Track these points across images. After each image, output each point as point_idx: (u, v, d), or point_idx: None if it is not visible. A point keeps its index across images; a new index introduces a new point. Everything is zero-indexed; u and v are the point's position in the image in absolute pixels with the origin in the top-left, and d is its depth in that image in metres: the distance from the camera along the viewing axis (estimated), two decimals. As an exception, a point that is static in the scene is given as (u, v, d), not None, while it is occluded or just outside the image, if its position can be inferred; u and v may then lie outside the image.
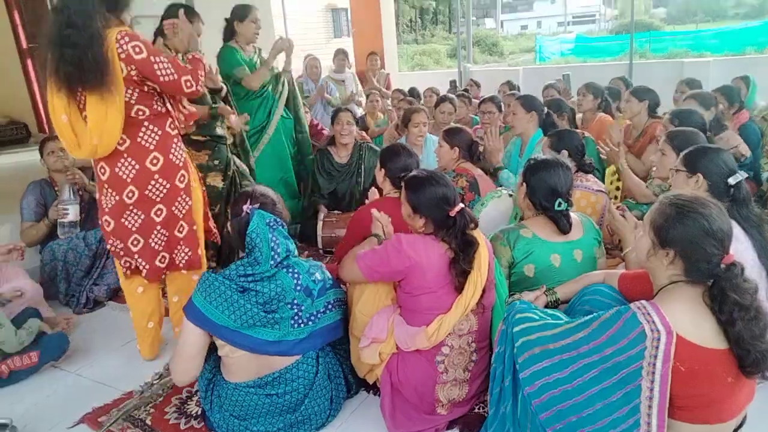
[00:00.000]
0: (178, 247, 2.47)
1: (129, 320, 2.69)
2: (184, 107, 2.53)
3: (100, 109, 2.14)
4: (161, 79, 2.21)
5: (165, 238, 2.44)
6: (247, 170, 3.61)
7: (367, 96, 6.00)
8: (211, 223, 2.83)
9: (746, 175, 2.17)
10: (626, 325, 1.42)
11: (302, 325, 2.01)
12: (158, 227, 2.40)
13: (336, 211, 3.95)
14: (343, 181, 4.06)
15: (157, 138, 2.33)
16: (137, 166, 2.30)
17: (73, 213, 3.01)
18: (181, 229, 2.45)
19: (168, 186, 2.37)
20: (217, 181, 3.29)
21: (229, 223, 2.16)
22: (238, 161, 3.54)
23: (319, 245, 3.76)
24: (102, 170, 2.32)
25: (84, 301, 3.22)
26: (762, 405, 1.75)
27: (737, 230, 1.88)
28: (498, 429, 1.75)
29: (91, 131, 2.18)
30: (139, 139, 2.30)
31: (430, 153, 3.97)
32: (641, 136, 3.83)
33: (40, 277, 3.28)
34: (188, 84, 2.28)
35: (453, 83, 7.49)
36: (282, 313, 1.96)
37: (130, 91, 2.21)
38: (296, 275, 2.00)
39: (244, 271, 1.93)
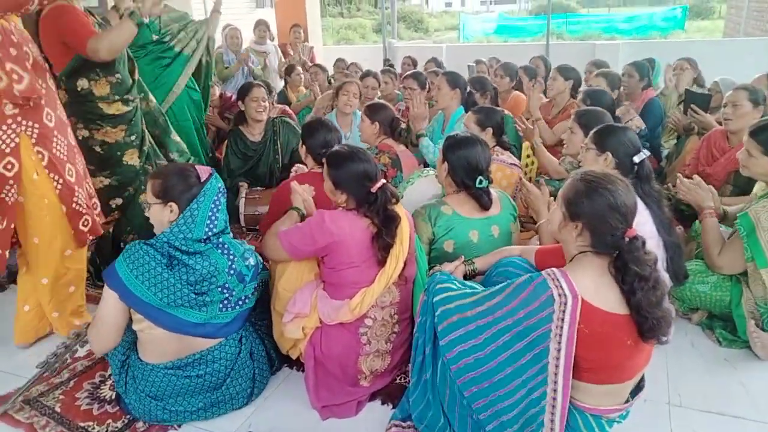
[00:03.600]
0: None
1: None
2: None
3: None
4: None
5: None
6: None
7: (289, 70, 5.84)
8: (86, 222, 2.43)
9: (649, 154, 2.33)
10: (536, 289, 1.51)
11: (230, 309, 1.97)
12: None
13: (258, 188, 3.86)
14: (260, 159, 3.94)
15: None
16: None
17: None
18: (8, 220, 2.22)
19: None
20: (134, 159, 2.94)
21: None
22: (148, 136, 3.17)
23: (242, 223, 3.67)
24: None
25: (-20, 286, 2.99)
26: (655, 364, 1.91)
27: (639, 205, 2.01)
28: (419, 396, 1.81)
29: None
30: None
31: (357, 129, 3.97)
32: (560, 113, 3.99)
33: None
34: None
35: (386, 61, 7.47)
36: (212, 296, 1.90)
37: None
38: (231, 257, 1.93)
39: (175, 237, 1.84)
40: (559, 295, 1.47)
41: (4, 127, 2.12)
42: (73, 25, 2.47)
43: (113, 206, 2.88)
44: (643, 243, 1.52)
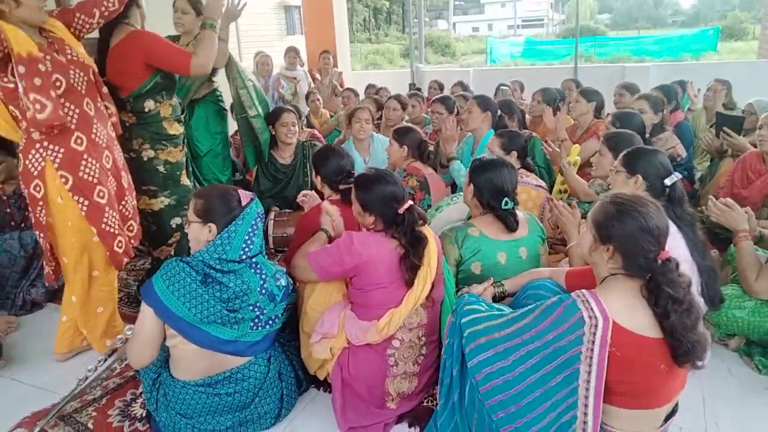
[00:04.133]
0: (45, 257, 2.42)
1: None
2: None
3: None
4: None
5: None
6: None
7: (307, 96, 5.98)
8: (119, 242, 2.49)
9: (681, 176, 2.29)
10: (566, 311, 1.49)
11: (260, 328, 2.00)
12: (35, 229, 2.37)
13: (287, 210, 3.92)
14: (289, 181, 4.01)
15: (24, 139, 2.27)
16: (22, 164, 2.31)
17: None
18: (43, 239, 2.38)
19: (27, 192, 2.31)
20: (186, 179, 3.06)
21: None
22: None
23: (270, 244, 3.72)
24: None
25: (20, 303, 3.07)
26: (691, 391, 1.85)
27: (672, 228, 1.98)
28: (447, 419, 1.80)
29: None
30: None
31: (376, 152, 4.03)
32: (584, 134, 3.98)
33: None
34: None
35: (412, 86, 7.58)
36: (244, 314, 1.93)
37: None
38: (263, 276, 1.98)
39: (210, 257, 1.89)
40: (590, 317, 1.45)
41: (33, 151, 2.25)
42: (164, 46, 2.67)
43: (173, 225, 2.96)
44: (677, 265, 1.50)
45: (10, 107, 2.19)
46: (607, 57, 17.08)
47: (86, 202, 2.33)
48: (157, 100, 2.77)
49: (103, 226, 2.38)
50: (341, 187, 2.51)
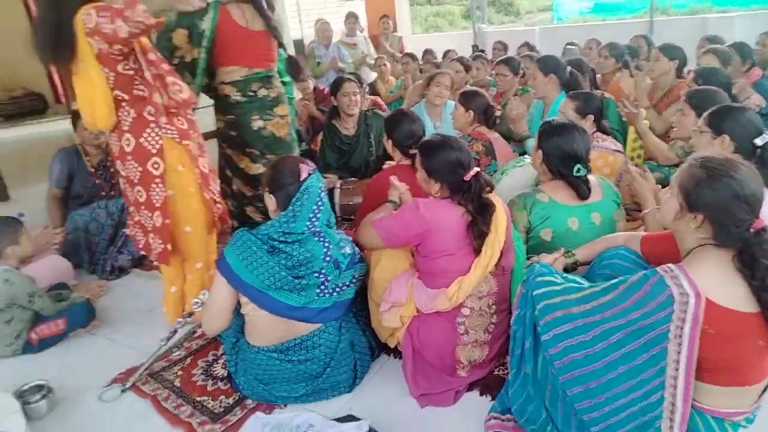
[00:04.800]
0: (152, 235, 2.42)
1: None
2: (173, 90, 2.31)
3: (78, 84, 2.24)
4: (106, 32, 2.04)
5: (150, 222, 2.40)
6: None
7: (375, 62, 5.96)
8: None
9: (773, 135, 2.12)
10: (653, 288, 1.41)
11: (327, 295, 2.04)
12: (142, 207, 2.39)
13: (352, 179, 3.95)
14: (353, 153, 4.02)
15: (130, 120, 2.29)
16: (117, 145, 2.35)
17: None
18: (156, 218, 2.38)
19: (140, 170, 2.32)
20: None
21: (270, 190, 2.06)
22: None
23: (337, 213, 3.77)
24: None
25: (109, 269, 3.28)
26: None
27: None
28: (519, 389, 1.78)
29: (80, 105, 2.30)
30: (118, 118, 2.30)
31: (448, 118, 3.94)
32: (666, 96, 3.70)
33: (63, 246, 3.23)
34: (120, 31, 2.02)
35: (475, 47, 7.39)
36: (309, 280, 1.98)
37: (107, 71, 2.19)
38: (327, 245, 2.01)
39: (275, 231, 1.95)
40: (681, 294, 1.36)
41: (148, 130, 2.31)
42: None
43: None
44: None
45: (116, 92, 2.23)
46: (685, 9, 15.88)
47: (198, 171, 2.46)
48: None
49: (207, 193, 2.51)
50: (412, 152, 2.49)
